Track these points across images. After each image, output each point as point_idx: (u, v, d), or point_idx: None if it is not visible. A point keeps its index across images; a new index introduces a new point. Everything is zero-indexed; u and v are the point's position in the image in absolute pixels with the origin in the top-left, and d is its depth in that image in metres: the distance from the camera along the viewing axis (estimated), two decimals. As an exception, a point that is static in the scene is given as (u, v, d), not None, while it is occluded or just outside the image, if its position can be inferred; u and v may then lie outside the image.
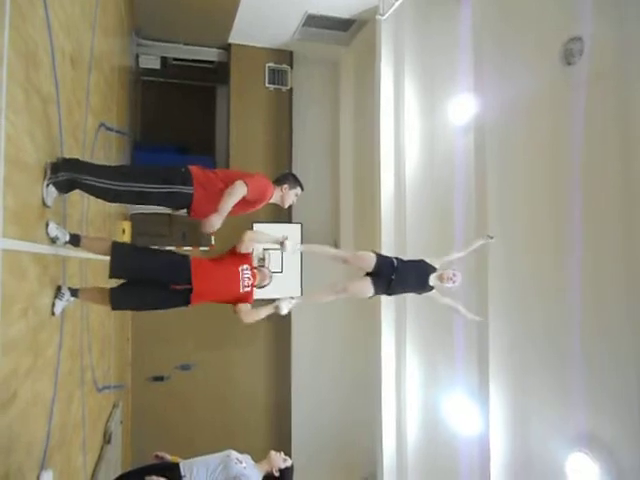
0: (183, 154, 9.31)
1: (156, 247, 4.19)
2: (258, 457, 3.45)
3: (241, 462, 3.23)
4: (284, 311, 3.80)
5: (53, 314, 3.07)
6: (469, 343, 5.70)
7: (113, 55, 6.12)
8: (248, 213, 3.67)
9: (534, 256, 5.12)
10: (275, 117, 9.09)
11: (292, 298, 3.87)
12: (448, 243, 5.78)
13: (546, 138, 5.03)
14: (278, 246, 3.82)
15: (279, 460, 3.39)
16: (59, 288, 3.17)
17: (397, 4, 6.74)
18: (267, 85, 9.03)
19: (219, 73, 9.57)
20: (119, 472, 4.81)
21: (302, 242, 8.19)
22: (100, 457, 5.00)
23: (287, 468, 3.40)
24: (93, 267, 4.54)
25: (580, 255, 4.53)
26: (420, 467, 6.81)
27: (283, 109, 9.12)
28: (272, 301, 3.90)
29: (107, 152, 5.62)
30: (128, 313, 7.64)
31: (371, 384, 7.41)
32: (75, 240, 3.19)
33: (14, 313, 2.35)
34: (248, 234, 3.71)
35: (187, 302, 3.48)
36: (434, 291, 4.24)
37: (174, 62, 9.41)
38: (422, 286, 4.18)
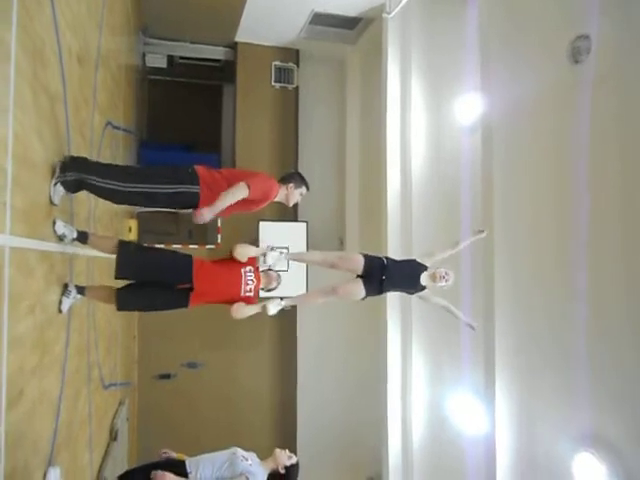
0: (189, 152, 9.34)
1: (161, 246, 4.20)
2: (263, 456, 3.46)
3: (247, 459, 3.24)
4: (271, 312, 3.78)
5: (60, 311, 3.09)
6: (475, 343, 5.68)
7: (120, 54, 6.14)
8: (253, 211, 3.68)
9: (539, 256, 5.09)
10: (281, 115, 9.09)
11: (281, 299, 3.84)
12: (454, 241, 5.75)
13: (553, 138, 5.00)
14: (262, 258, 3.82)
15: (284, 457, 3.40)
16: (66, 286, 3.18)
17: (404, 2, 6.72)
18: (273, 83, 9.03)
19: (225, 71, 9.59)
20: (125, 469, 4.83)
21: (307, 243, 8.22)
22: (106, 454, 5.02)
23: (292, 465, 3.41)
24: (100, 265, 4.56)
25: (585, 255, 4.50)
26: (425, 466, 6.80)
27: (289, 107, 9.12)
28: (277, 299, 3.89)
29: (114, 150, 5.64)
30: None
31: (376, 383, 7.40)
32: (83, 237, 3.22)
33: (21, 310, 2.36)
34: (236, 249, 3.70)
35: (187, 302, 3.50)
36: (426, 291, 4.14)
37: (180, 61, 9.43)
38: (414, 285, 4.07)
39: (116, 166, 3.69)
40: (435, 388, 6.73)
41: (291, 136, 9.08)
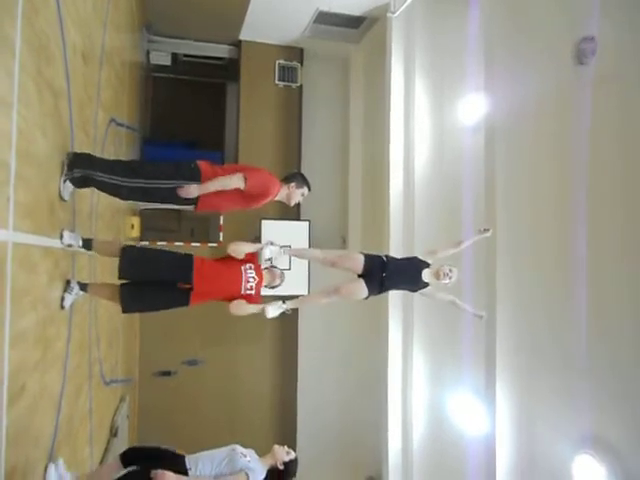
0: (192, 150, 9.33)
1: (163, 247, 4.22)
2: (263, 454, 3.47)
3: (246, 456, 3.25)
4: (270, 315, 3.78)
5: (62, 308, 3.10)
6: (476, 343, 5.68)
7: (124, 51, 6.15)
8: (255, 209, 3.69)
9: (540, 257, 5.09)
10: (285, 114, 9.09)
11: (283, 302, 3.82)
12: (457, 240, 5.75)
13: (555, 138, 4.99)
14: (260, 252, 3.82)
15: (283, 453, 3.41)
16: (68, 282, 3.21)
17: (408, 2, 6.71)
18: (277, 82, 9.03)
19: (229, 70, 9.59)
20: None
21: (309, 242, 8.23)
22: (106, 450, 5.04)
23: (291, 461, 3.41)
24: (102, 262, 4.57)
25: (585, 256, 4.49)
26: (426, 466, 6.80)
27: (293, 106, 9.12)
28: (281, 298, 3.90)
29: (117, 147, 5.65)
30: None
31: (377, 383, 7.40)
32: (87, 245, 3.33)
33: (24, 306, 2.37)
34: (230, 246, 3.72)
35: (187, 301, 3.52)
36: (429, 287, 4.09)
37: (185, 58, 9.42)
38: (415, 282, 4.03)
39: (120, 161, 3.72)
40: (435, 388, 6.73)
41: (294, 135, 9.08)
